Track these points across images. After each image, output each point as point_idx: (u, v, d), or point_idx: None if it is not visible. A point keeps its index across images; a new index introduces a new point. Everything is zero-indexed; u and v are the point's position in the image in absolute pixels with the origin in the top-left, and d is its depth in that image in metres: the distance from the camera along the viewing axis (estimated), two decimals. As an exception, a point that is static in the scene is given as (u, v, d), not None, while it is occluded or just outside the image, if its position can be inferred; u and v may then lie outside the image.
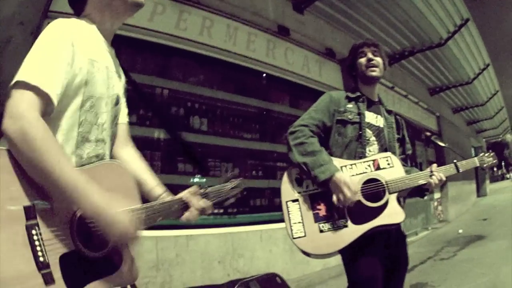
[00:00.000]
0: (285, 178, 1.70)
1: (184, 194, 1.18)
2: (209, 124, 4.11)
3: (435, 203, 9.93)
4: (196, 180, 3.44)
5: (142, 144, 3.57)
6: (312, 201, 1.63)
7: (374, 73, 1.81)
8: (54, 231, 0.86)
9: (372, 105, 1.86)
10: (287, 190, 1.66)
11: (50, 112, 0.90)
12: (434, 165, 1.71)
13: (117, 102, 1.16)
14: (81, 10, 1.14)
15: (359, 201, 1.57)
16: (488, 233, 6.58)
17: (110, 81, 1.11)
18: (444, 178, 1.68)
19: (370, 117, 1.81)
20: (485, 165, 1.84)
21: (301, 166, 1.62)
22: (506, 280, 3.50)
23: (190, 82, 4.14)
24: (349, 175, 1.62)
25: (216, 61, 4.21)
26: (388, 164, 1.66)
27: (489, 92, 12.03)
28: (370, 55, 1.82)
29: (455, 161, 1.76)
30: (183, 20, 3.85)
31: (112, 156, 1.17)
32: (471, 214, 11.42)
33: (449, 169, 1.73)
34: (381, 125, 1.81)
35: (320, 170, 1.57)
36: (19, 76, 0.87)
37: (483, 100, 12.29)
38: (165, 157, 3.76)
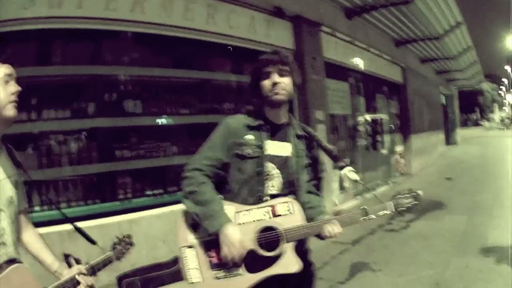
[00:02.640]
0: (180, 222, 1.63)
1: (75, 273, 1.38)
2: (144, 105, 3.94)
3: (397, 156, 9.94)
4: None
5: (79, 137, 3.56)
6: (207, 248, 1.59)
7: (279, 97, 1.61)
8: None
9: (278, 130, 1.68)
10: (183, 236, 1.61)
11: None
12: (342, 210, 1.64)
13: (10, 203, 1.33)
14: None
15: (253, 250, 1.53)
16: (448, 200, 6.57)
17: None
18: (337, 234, 1.57)
19: (274, 148, 1.64)
20: (400, 208, 1.66)
21: (194, 216, 1.57)
22: (451, 280, 3.38)
23: (123, 64, 3.92)
24: (244, 221, 1.56)
25: (150, 37, 3.94)
26: (288, 210, 1.57)
27: (461, 47, 11.72)
28: (275, 78, 1.59)
29: (364, 207, 1.63)
30: (113, 0, 3.53)
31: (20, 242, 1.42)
32: (436, 168, 11.54)
33: (356, 216, 1.62)
34: (288, 154, 1.66)
35: (210, 222, 1.52)
36: None
37: (453, 54, 12.02)
38: (101, 146, 3.69)
